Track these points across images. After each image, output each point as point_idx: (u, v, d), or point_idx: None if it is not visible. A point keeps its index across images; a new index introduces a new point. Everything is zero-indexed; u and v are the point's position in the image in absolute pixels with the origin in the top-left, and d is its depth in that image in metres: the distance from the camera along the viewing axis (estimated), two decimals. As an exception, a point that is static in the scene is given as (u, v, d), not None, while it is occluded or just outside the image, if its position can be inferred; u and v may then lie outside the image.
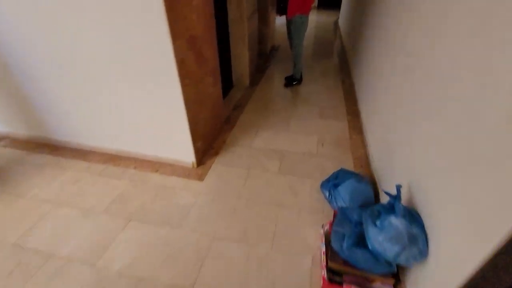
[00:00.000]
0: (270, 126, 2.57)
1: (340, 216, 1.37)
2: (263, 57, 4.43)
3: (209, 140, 2.24)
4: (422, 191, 1.17)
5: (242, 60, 3.25)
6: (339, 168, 1.81)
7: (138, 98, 1.78)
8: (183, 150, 1.96)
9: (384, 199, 1.62)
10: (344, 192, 1.60)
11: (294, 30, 3.06)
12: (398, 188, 1.21)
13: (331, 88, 3.34)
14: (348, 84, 3.40)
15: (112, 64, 1.68)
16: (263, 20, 4.25)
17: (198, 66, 1.85)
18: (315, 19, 7.15)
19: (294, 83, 3.41)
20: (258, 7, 4.12)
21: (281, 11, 3.07)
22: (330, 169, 1.97)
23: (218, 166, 2.05)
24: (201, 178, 1.94)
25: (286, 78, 3.53)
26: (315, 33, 5.92)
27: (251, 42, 3.30)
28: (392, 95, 1.73)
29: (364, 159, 2.08)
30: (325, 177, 1.84)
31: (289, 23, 3.08)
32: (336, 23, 6.63)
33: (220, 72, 2.30)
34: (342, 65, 4.04)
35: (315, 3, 8.65)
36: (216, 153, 2.19)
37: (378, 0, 2.45)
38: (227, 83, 3.23)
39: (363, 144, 2.27)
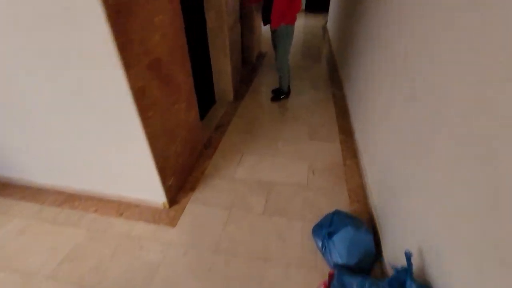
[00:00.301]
0: (255, 150, 2.30)
1: (337, 284, 1.12)
2: (249, 66, 4.16)
3: (185, 173, 1.95)
4: (441, 263, 0.93)
5: (224, 73, 2.97)
6: (333, 210, 1.55)
7: (94, 133, 1.49)
8: (151, 190, 1.67)
9: (386, 249, 1.38)
10: (340, 244, 1.35)
11: (278, 41, 2.80)
12: (408, 257, 0.96)
13: (321, 102, 3.10)
14: (339, 98, 3.17)
15: (60, 97, 1.38)
16: (248, 26, 3.99)
17: (166, 93, 1.57)
18: (302, 23, 6.94)
19: (281, 97, 3.16)
20: (242, 12, 3.86)
21: (265, 20, 2.81)
22: (323, 206, 1.72)
23: (194, 206, 1.77)
24: (173, 222, 1.65)
25: (273, 91, 3.28)
26: (304, 38, 5.70)
27: (234, 53, 3.03)
28: (392, 119, 1.49)
29: (361, 192, 1.84)
30: (317, 217, 1.59)
31: (273, 33, 2.83)
32: (324, 28, 6.43)
33: (197, 91, 2.03)
34: (333, 75, 3.81)
35: (303, 6, 8.46)
36: (193, 188, 1.90)
37: (373, 10, 2.22)
38: (208, 100, 2.95)
39: (358, 172, 2.03)
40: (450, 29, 0.95)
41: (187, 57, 1.80)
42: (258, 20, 4.34)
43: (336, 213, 1.52)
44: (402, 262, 1.00)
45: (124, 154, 1.52)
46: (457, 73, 0.89)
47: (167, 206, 1.73)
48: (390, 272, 1.21)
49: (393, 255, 1.30)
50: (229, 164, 2.14)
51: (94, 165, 1.65)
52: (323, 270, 1.38)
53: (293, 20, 2.72)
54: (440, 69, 1.01)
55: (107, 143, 1.51)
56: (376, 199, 1.63)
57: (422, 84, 1.14)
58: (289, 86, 3.25)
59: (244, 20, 3.94)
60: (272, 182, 1.95)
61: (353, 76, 2.72)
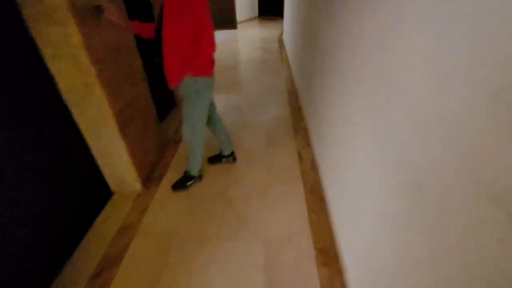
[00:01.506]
0: None
1: None
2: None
3: None
4: None
5: (116, 155, 1.75)
6: None
7: None
8: None
9: None
10: None
11: (184, 104, 1.65)
12: None
13: (283, 175, 2.00)
14: (308, 163, 2.10)
15: None
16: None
17: None
18: (257, 35, 5.88)
19: (188, 183, 1.92)
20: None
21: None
22: None
23: None
24: None
25: (211, 159, 2.15)
26: (259, 57, 4.61)
27: (135, 118, 1.82)
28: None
29: None
30: None
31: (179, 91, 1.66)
32: (281, 41, 5.41)
33: (61, 197, 0.82)
34: (296, 120, 2.75)
35: (255, 13, 7.39)
36: None
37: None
38: (98, 196, 1.71)
39: None
40: None
41: None
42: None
43: None
44: None
45: None
46: None
47: None
48: None
49: None
50: None
51: None
52: None
53: (206, 69, 1.55)
54: None
55: None
56: None
57: None
58: (233, 152, 2.13)
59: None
60: None
61: (322, 124, 1.65)
